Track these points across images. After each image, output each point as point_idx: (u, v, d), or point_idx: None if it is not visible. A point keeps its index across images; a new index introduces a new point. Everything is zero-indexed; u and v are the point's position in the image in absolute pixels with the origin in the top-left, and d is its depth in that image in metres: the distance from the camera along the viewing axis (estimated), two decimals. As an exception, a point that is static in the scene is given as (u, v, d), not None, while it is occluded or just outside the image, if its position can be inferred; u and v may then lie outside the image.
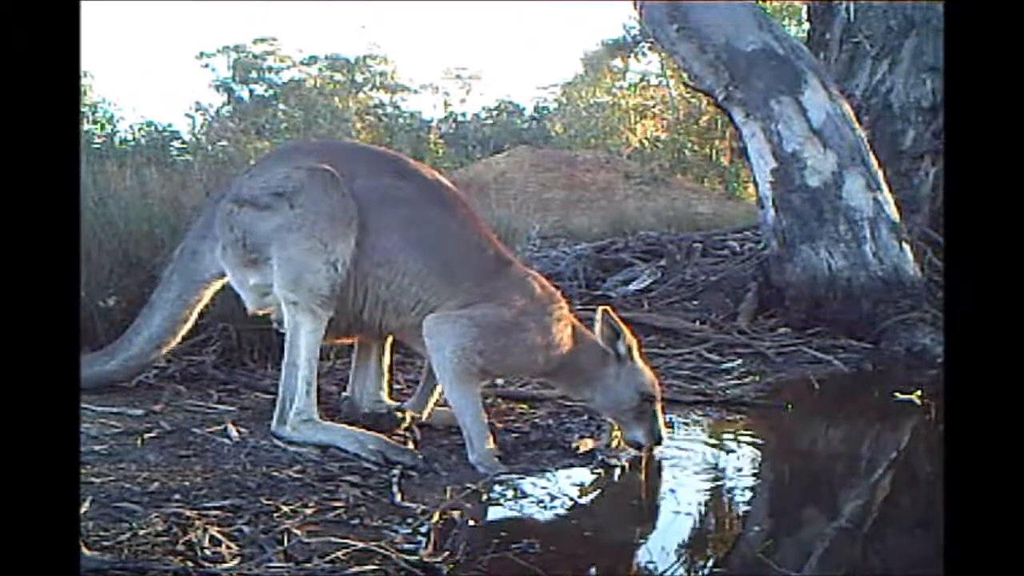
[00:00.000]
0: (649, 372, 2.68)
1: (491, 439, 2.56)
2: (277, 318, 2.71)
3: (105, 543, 1.82)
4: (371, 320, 2.66)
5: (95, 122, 18.84)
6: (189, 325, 2.93)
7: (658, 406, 2.65)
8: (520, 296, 2.62)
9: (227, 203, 2.69)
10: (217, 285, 2.86)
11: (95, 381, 2.85)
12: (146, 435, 2.58)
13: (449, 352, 2.56)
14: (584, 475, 2.49)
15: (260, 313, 2.76)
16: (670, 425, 3.05)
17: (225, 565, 1.78)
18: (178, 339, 2.94)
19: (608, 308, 2.72)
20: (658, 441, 2.63)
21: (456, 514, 2.15)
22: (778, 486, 2.68)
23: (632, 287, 5.31)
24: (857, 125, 4.63)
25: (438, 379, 2.65)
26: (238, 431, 2.65)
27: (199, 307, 2.90)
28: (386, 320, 2.66)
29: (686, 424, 3.10)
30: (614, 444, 2.71)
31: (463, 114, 26.53)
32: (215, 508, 2.06)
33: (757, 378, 3.72)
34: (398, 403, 2.95)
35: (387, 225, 2.60)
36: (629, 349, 2.66)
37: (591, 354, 2.67)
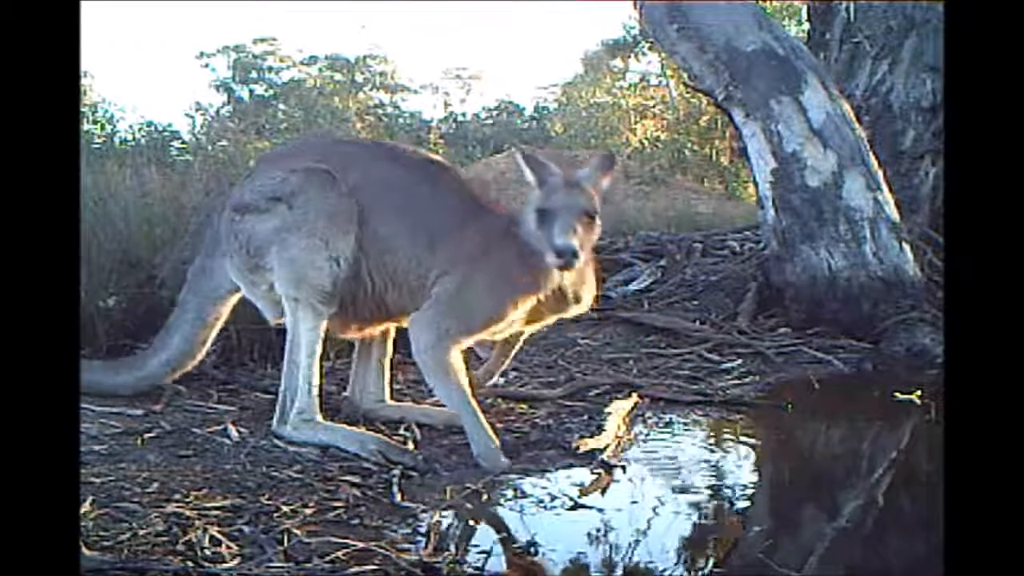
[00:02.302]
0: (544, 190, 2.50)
1: (490, 431, 2.56)
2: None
3: (105, 543, 1.83)
4: (395, 305, 2.69)
5: (95, 122, 18.80)
6: (207, 347, 2.95)
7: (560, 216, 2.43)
8: (476, 249, 2.60)
9: (228, 212, 2.72)
10: (233, 300, 2.89)
11: (100, 391, 2.85)
12: (146, 435, 2.59)
13: (422, 351, 2.58)
14: (584, 475, 2.49)
15: (280, 322, 2.76)
16: (670, 424, 3.06)
17: (225, 565, 1.78)
18: (195, 362, 2.95)
19: (522, 151, 2.61)
20: (558, 250, 2.37)
21: (456, 514, 2.15)
22: (778, 486, 2.68)
23: (632, 287, 5.30)
24: (857, 125, 4.62)
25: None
26: (238, 431, 2.66)
27: (217, 326, 2.93)
28: (408, 302, 2.67)
29: (686, 424, 3.10)
30: (614, 444, 2.72)
31: (463, 114, 26.53)
32: (215, 508, 2.07)
33: (757, 378, 3.72)
34: (397, 403, 2.96)
35: (384, 211, 2.63)
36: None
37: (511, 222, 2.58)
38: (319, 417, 2.62)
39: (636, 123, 21.41)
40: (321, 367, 2.72)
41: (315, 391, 2.63)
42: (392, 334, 2.90)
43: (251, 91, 25.50)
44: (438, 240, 2.62)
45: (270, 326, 2.86)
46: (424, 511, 2.16)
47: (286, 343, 2.65)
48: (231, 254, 2.72)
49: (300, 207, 2.58)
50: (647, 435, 2.94)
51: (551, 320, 2.74)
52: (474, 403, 2.59)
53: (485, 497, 2.30)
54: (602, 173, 2.56)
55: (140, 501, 2.07)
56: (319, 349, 2.64)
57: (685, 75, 5.42)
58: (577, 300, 2.64)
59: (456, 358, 2.58)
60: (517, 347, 2.93)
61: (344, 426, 2.67)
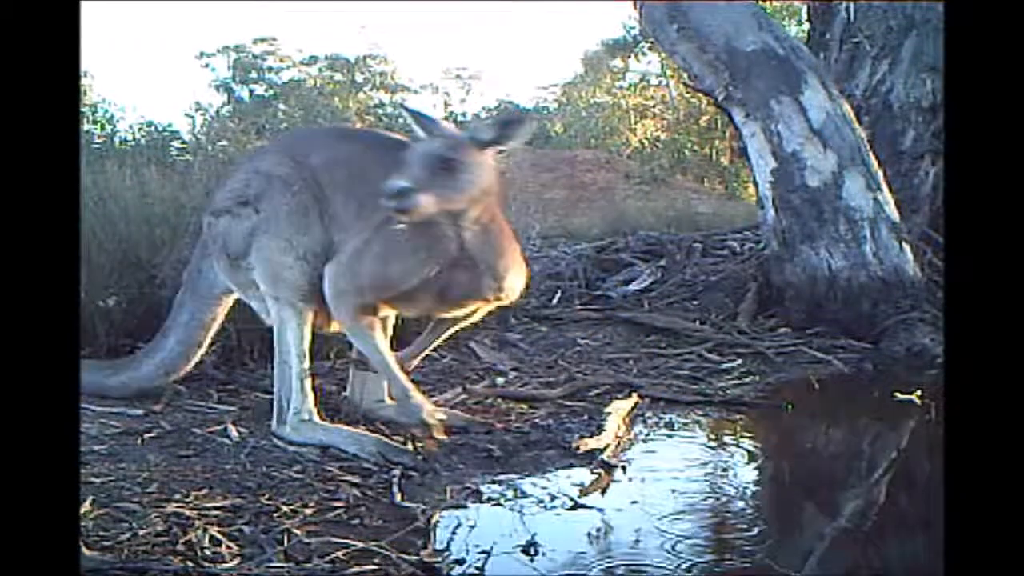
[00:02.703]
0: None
1: (406, 381, 2.55)
2: None
3: (105, 543, 1.83)
4: None
5: (95, 122, 18.77)
6: (202, 350, 2.96)
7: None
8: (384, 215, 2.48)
9: (207, 216, 2.79)
10: (228, 301, 2.91)
11: (91, 390, 2.84)
12: (146, 435, 2.59)
13: (330, 305, 2.57)
14: (584, 475, 2.49)
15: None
16: (670, 424, 3.05)
17: (225, 565, 1.78)
18: (190, 365, 2.96)
19: (406, 107, 2.57)
20: (389, 192, 2.29)
21: (456, 514, 2.15)
22: (778, 486, 2.68)
23: (632, 287, 5.30)
24: (857, 125, 4.62)
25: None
26: (238, 431, 2.66)
27: (213, 328, 2.95)
28: None
29: (686, 424, 3.10)
30: (614, 444, 2.72)
31: (463, 114, 26.49)
32: (215, 508, 2.07)
33: (757, 378, 3.72)
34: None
35: (334, 195, 2.61)
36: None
37: None
38: (316, 415, 2.63)
39: (636, 123, 21.40)
40: (313, 366, 2.72)
41: (308, 389, 2.64)
42: (389, 333, 2.89)
43: (251, 91, 25.45)
44: (364, 210, 2.56)
45: (269, 326, 2.86)
46: (424, 511, 2.16)
47: (274, 343, 2.66)
48: (216, 256, 2.77)
49: (264, 210, 2.62)
50: (647, 435, 2.94)
51: (476, 308, 2.61)
52: (387, 354, 2.58)
53: (485, 497, 2.30)
54: (500, 128, 2.38)
55: (140, 501, 2.07)
56: (307, 346, 2.65)
57: (685, 75, 5.42)
58: (496, 279, 2.48)
59: (365, 314, 2.56)
60: (444, 335, 2.77)
61: (343, 426, 2.68)
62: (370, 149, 2.70)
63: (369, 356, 2.59)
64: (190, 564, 1.76)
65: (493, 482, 2.40)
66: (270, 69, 25.67)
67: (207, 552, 1.83)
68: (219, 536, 1.90)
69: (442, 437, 2.53)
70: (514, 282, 2.56)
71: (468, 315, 2.68)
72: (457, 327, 2.78)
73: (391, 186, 2.26)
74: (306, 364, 2.64)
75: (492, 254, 2.48)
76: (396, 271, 2.49)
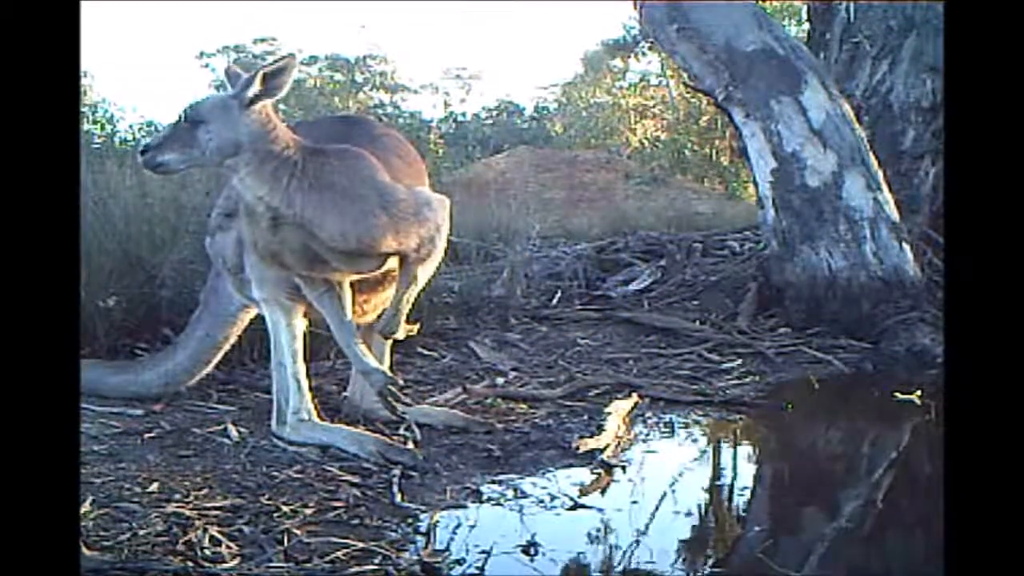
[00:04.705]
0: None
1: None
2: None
3: (105, 543, 1.83)
4: None
5: (95, 122, 18.75)
6: (208, 369, 2.97)
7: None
8: None
9: (207, 238, 2.82)
10: (244, 320, 2.93)
11: (90, 388, 2.82)
12: (146, 435, 2.59)
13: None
14: (584, 475, 2.50)
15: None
16: (670, 424, 3.05)
17: (225, 565, 1.78)
18: (193, 380, 2.96)
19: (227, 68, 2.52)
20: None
21: (456, 514, 2.15)
22: (778, 486, 2.68)
23: (632, 287, 5.30)
24: (857, 125, 4.62)
25: None
26: (238, 431, 2.66)
27: (224, 347, 2.96)
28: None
29: (686, 424, 3.10)
30: (614, 444, 2.72)
31: (463, 114, 26.47)
32: (215, 508, 2.07)
33: (757, 378, 3.72)
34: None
35: (307, 193, 2.47)
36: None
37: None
38: (315, 414, 2.63)
39: (636, 123, 21.41)
40: (309, 367, 2.72)
41: (305, 389, 2.64)
42: (347, 301, 2.77)
43: (251, 91, 25.45)
44: None
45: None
46: (424, 511, 2.16)
47: (271, 347, 2.66)
48: (223, 275, 2.80)
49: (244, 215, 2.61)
50: (647, 435, 2.94)
51: (375, 260, 2.51)
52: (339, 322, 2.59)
53: (485, 497, 2.30)
54: (264, 82, 2.35)
55: (140, 501, 2.07)
56: (299, 345, 2.65)
57: (685, 75, 5.42)
58: (326, 231, 2.38)
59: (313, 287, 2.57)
60: (403, 295, 2.57)
61: (343, 426, 2.68)
62: (327, 134, 2.66)
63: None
64: (190, 564, 1.76)
65: (493, 482, 2.40)
66: (270, 69, 25.65)
67: (207, 552, 1.83)
68: (219, 536, 1.90)
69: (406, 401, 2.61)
70: (353, 231, 2.40)
71: (379, 266, 2.56)
72: (409, 286, 2.57)
73: (141, 147, 2.32)
74: (301, 364, 2.64)
75: (315, 208, 2.38)
76: (248, 239, 2.54)
